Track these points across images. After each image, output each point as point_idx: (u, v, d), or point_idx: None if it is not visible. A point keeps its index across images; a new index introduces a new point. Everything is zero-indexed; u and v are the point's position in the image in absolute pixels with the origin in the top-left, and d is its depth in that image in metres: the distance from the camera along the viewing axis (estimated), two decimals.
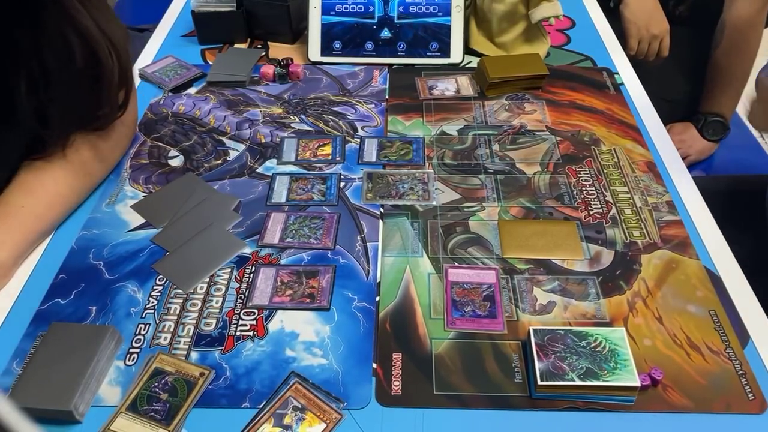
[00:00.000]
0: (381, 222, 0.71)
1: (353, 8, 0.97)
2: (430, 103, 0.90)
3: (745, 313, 0.61)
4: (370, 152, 0.81)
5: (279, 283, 0.63)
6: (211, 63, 0.99)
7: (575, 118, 0.87)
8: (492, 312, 0.61)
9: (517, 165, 0.79)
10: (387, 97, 0.92)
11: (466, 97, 0.91)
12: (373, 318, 0.60)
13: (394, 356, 0.57)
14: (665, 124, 0.89)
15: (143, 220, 0.71)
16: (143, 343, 0.58)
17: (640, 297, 0.62)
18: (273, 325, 0.60)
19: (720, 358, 0.57)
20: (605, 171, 0.77)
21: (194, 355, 0.57)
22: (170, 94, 0.92)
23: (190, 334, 0.59)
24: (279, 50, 1.03)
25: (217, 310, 0.61)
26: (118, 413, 0.51)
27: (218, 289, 0.63)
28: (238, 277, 0.64)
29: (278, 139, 0.83)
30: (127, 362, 0.57)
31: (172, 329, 0.60)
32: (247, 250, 0.67)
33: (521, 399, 0.54)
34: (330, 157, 0.80)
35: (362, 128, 0.85)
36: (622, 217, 0.71)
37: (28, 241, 0.65)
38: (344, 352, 0.57)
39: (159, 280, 0.64)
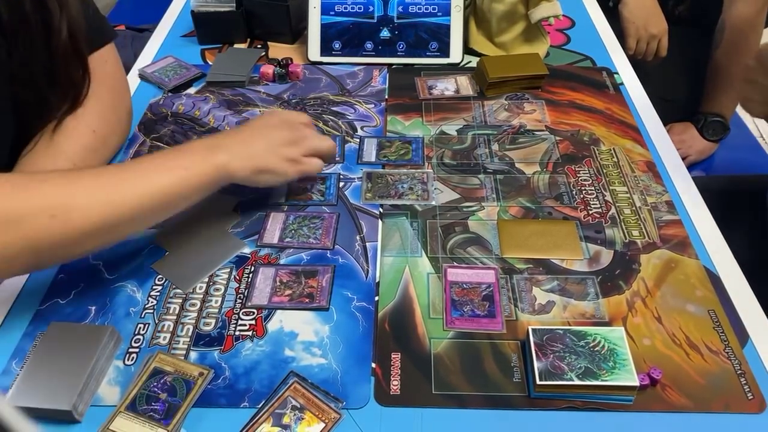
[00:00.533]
0: (380, 222, 0.71)
1: (353, 8, 0.97)
2: (430, 102, 0.90)
3: (745, 312, 0.61)
4: (370, 152, 0.81)
5: (278, 283, 0.63)
6: (210, 63, 0.99)
7: (575, 117, 0.87)
8: (491, 312, 0.61)
9: (517, 165, 0.79)
10: (386, 96, 0.92)
11: (466, 97, 0.91)
12: (372, 318, 0.60)
13: (393, 356, 0.57)
14: (665, 124, 0.89)
15: None
16: (142, 342, 0.59)
17: (640, 297, 0.62)
18: (272, 325, 0.60)
19: (719, 357, 0.57)
20: (605, 171, 0.77)
21: (193, 355, 0.57)
22: (170, 94, 0.92)
23: (190, 333, 0.59)
24: (279, 50, 1.03)
25: (217, 310, 0.61)
26: (118, 413, 0.52)
27: (217, 289, 0.63)
28: (238, 277, 0.64)
29: None
30: (127, 362, 0.57)
31: (171, 329, 0.60)
32: (247, 250, 0.67)
33: (520, 398, 0.54)
34: None
35: (362, 128, 0.85)
36: (622, 217, 0.71)
37: None
38: (343, 352, 0.57)
39: (158, 280, 0.64)
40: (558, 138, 0.83)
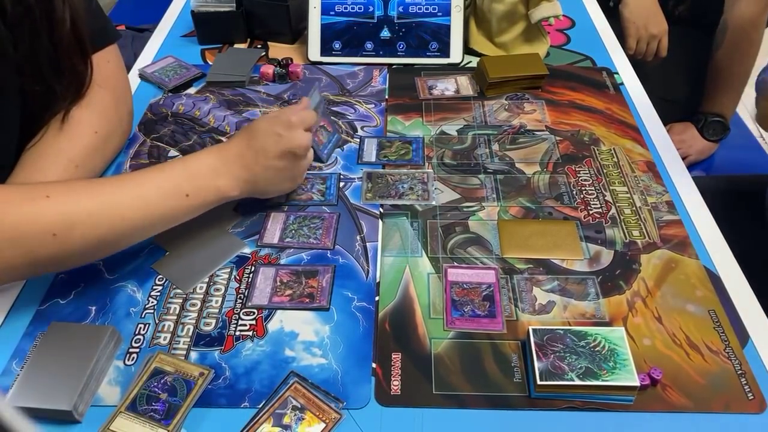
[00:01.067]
0: (380, 222, 0.71)
1: (353, 8, 0.97)
2: (430, 103, 0.90)
3: (745, 312, 0.61)
4: (370, 152, 0.81)
5: (278, 283, 0.63)
6: (210, 63, 0.99)
7: (575, 117, 0.87)
8: (491, 312, 0.61)
9: (517, 165, 0.79)
10: (386, 97, 0.92)
11: (466, 97, 0.91)
12: (373, 318, 0.60)
13: (393, 356, 0.57)
14: (665, 124, 0.89)
15: None
16: (143, 342, 0.58)
17: (640, 297, 0.62)
18: (272, 325, 0.60)
19: (719, 357, 0.57)
20: (605, 171, 0.77)
21: (194, 355, 0.57)
22: (170, 94, 0.92)
23: (190, 334, 0.59)
24: (279, 50, 1.03)
25: (217, 310, 0.61)
26: (118, 413, 0.51)
27: (218, 289, 0.63)
28: (238, 277, 0.64)
29: None
30: (127, 362, 0.57)
31: (171, 329, 0.60)
32: (247, 250, 0.67)
33: (520, 399, 0.54)
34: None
35: (362, 128, 0.85)
36: (622, 217, 0.71)
37: None
38: (343, 352, 0.57)
39: (158, 280, 0.64)
40: (558, 138, 0.83)
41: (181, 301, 0.62)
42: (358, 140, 0.83)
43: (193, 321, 0.60)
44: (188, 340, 0.59)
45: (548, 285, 0.63)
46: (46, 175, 0.66)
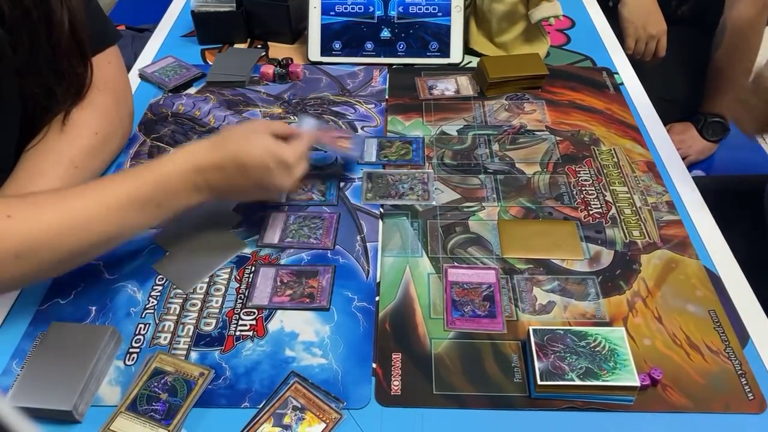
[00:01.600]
0: (381, 222, 0.71)
1: (353, 8, 0.97)
2: (430, 103, 0.90)
3: (745, 312, 0.61)
4: (370, 152, 0.81)
5: (279, 283, 0.63)
6: (210, 63, 0.99)
7: (575, 117, 0.87)
8: (492, 312, 0.61)
9: (517, 165, 0.79)
10: (387, 97, 0.92)
11: (466, 97, 0.91)
12: (373, 318, 0.60)
13: (393, 356, 0.57)
14: (665, 124, 0.89)
15: None
16: (143, 343, 0.58)
17: (640, 297, 0.62)
18: (273, 325, 0.60)
19: (719, 357, 0.57)
20: (605, 171, 0.77)
21: (194, 355, 0.57)
22: (170, 94, 0.92)
23: (190, 334, 0.59)
24: (279, 50, 1.03)
25: (217, 310, 0.61)
26: (118, 413, 0.51)
27: (218, 289, 0.63)
28: (238, 277, 0.64)
29: None
30: (127, 362, 0.57)
31: (171, 329, 0.60)
32: (247, 250, 0.67)
33: (521, 399, 0.54)
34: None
35: (362, 128, 0.85)
36: (622, 217, 0.71)
37: None
38: (344, 352, 0.57)
39: (159, 280, 0.64)
40: (558, 138, 0.83)
41: (181, 301, 0.62)
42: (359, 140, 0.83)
43: (194, 321, 0.60)
44: (188, 340, 0.59)
45: (548, 285, 0.63)
46: (47, 176, 0.66)
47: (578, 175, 0.77)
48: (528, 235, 0.69)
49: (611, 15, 1.19)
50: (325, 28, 0.98)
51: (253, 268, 0.65)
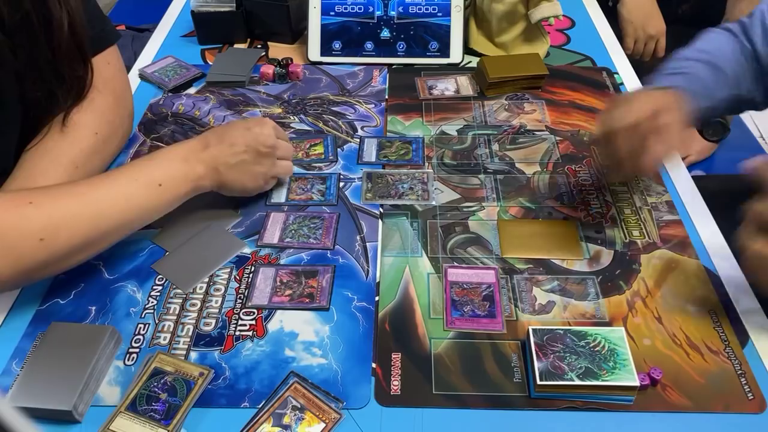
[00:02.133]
0: (380, 222, 0.71)
1: (353, 8, 0.97)
2: (430, 103, 0.90)
3: (745, 312, 0.61)
4: (370, 152, 0.81)
5: (278, 283, 0.63)
6: (210, 63, 0.99)
7: (575, 117, 0.87)
8: (491, 312, 0.61)
9: (517, 165, 0.79)
10: (386, 97, 0.92)
11: (466, 97, 0.91)
12: (373, 318, 0.60)
13: (393, 356, 0.57)
14: None
15: None
16: (143, 342, 0.58)
17: (640, 297, 0.62)
18: (272, 325, 0.60)
19: (719, 357, 0.57)
20: (605, 171, 0.77)
21: (193, 355, 0.57)
22: (170, 94, 0.92)
23: (190, 334, 0.59)
24: (279, 50, 1.03)
25: (217, 310, 0.61)
26: (118, 413, 0.51)
27: (218, 289, 0.63)
28: (238, 277, 0.64)
29: None
30: (127, 362, 0.57)
31: (171, 329, 0.60)
32: (247, 250, 0.67)
33: (520, 399, 0.54)
34: (323, 156, 0.80)
35: (362, 128, 0.85)
36: (622, 217, 0.71)
37: None
38: (343, 352, 0.57)
39: (158, 280, 0.64)
40: (558, 138, 0.83)
41: (181, 301, 0.62)
42: (358, 140, 0.83)
43: (193, 321, 0.60)
44: (188, 340, 0.59)
45: (548, 285, 0.63)
46: (47, 176, 0.66)
47: (578, 175, 0.77)
48: (528, 235, 0.69)
49: (611, 15, 1.19)
50: (324, 28, 0.98)
51: (253, 268, 0.65)
